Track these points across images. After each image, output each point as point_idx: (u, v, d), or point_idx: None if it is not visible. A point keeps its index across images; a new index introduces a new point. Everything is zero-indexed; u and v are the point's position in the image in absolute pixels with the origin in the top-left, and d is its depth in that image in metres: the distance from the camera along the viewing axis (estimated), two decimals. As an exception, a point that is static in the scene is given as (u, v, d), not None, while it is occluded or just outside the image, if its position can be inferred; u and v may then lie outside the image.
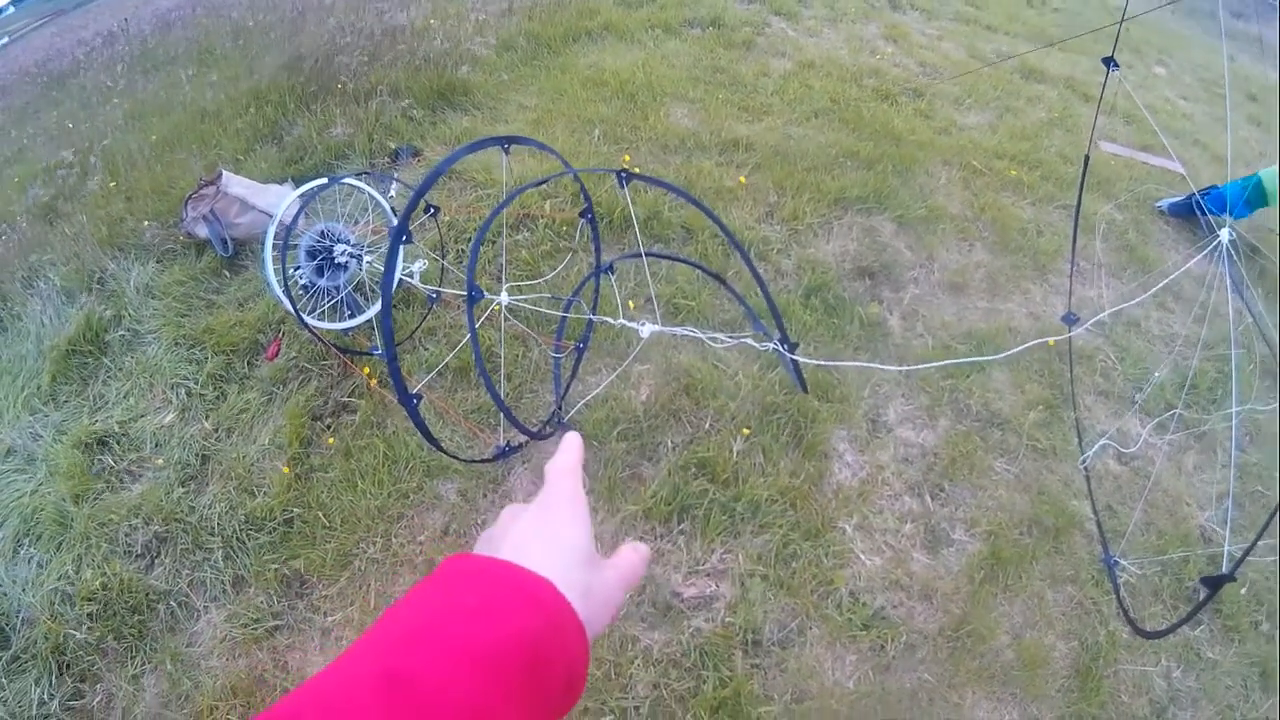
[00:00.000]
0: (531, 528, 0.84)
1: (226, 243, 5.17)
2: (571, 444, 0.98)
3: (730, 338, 2.87)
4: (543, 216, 5.18)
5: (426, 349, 4.55)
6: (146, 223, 5.71)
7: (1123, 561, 3.93)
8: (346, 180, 4.38)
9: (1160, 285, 4.32)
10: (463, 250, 5.12)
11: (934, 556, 3.87)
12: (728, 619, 3.51)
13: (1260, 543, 3.93)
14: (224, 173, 5.17)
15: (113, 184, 6.47)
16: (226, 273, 5.25)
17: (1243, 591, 4.04)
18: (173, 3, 13.18)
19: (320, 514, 3.88)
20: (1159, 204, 6.75)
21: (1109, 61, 4.62)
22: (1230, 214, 6.00)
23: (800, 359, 2.75)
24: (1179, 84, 10.35)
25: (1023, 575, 3.85)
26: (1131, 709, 3.55)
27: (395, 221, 4.42)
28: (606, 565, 0.86)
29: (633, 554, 0.91)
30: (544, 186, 5.37)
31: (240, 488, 4.05)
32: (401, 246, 3.26)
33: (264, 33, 9.54)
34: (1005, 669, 3.54)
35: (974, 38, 9.57)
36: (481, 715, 0.63)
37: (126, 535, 3.89)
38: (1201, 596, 3.21)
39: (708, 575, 3.65)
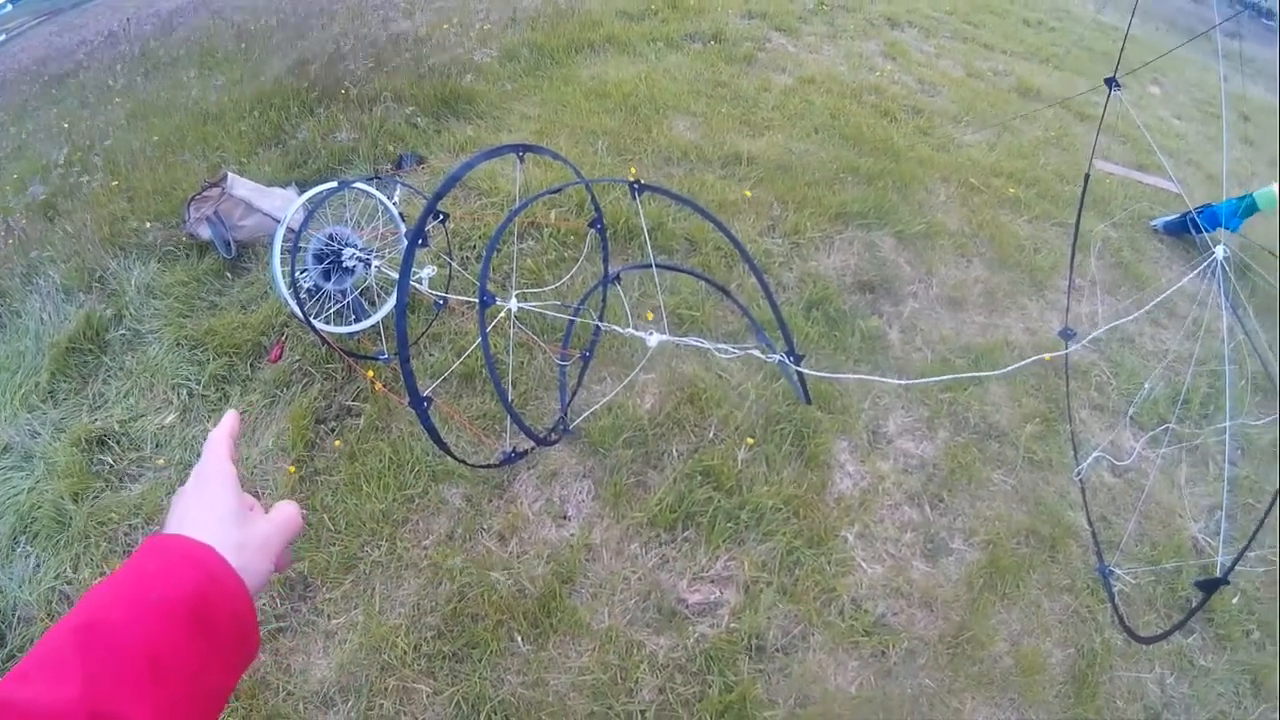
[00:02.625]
0: (191, 501, 1.00)
1: (230, 245, 5.18)
2: (226, 418, 1.13)
3: (736, 348, 2.91)
4: (549, 226, 5.21)
5: (431, 355, 4.57)
6: (148, 223, 5.70)
7: (1117, 571, 3.98)
8: (357, 185, 4.40)
9: (1156, 301, 4.38)
10: (467, 258, 5.15)
11: (934, 565, 3.92)
12: (732, 625, 3.54)
13: (1251, 553, 4.02)
14: (229, 174, 5.18)
15: (115, 183, 6.45)
16: (229, 274, 5.25)
17: (1234, 601, 4.10)
18: (175, 4, 13.19)
19: (325, 516, 3.88)
20: (1154, 222, 6.83)
21: (1111, 81, 4.68)
22: (1226, 227, 6.09)
23: (804, 371, 2.79)
24: (1173, 103, 10.47)
25: (1020, 584, 3.90)
26: (1126, 714, 3.60)
27: (403, 227, 4.46)
28: (259, 519, 1.02)
29: (287, 508, 1.06)
30: (550, 196, 5.40)
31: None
32: (414, 254, 3.28)
33: (267, 36, 9.56)
34: (1004, 675, 3.59)
35: (972, 56, 9.66)
36: (162, 651, 0.76)
37: (126, 535, 3.89)
38: (1195, 601, 3.25)
39: (712, 582, 3.68)
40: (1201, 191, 7.26)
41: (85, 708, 0.68)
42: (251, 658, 0.91)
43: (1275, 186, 6.13)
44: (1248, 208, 6.14)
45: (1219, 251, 3.86)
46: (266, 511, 1.05)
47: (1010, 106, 8.23)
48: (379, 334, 4.60)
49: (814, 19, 9.70)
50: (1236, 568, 4.00)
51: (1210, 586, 2.84)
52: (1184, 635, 3.94)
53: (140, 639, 0.75)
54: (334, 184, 4.29)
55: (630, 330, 3.02)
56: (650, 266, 3.59)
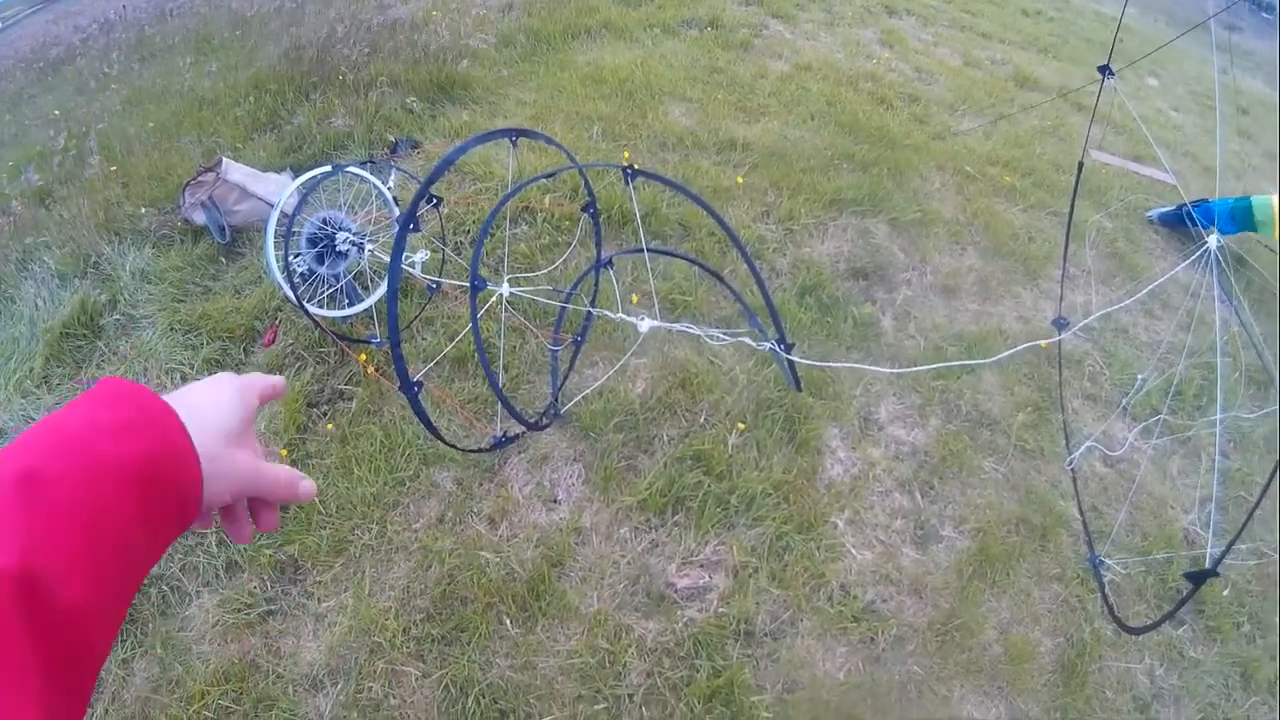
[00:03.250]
0: (201, 393, 0.93)
1: (224, 229, 5.17)
2: (276, 378, 1.09)
3: (727, 335, 2.91)
4: (542, 210, 5.21)
5: (424, 339, 4.57)
6: (143, 208, 5.70)
7: (1108, 561, 3.99)
8: (350, 169, 4.40)
9: (1148, 290, 4.40)
10: (461, 242, 5.15)
11: (924, 552, 3.93)
12: (721, 610, 3.55)
13: (1241, 545, 4.03)
14: (224, 160, 5.18)
15: (113, 169, 6.45)
16: (223, 259, 5.25)
17: (1225, 593, 4.11)
18: (172, -10, 13.18)
19: (316, 500, 3.88)
20: (1149, 213, 6.83)
21: (1105, 69, 4.67)
22: (1219, 229, 6.08)
23: (795, 359, 2.79)
24: (1171, 95, 10.45)
25: (1010, 572, 3.91)
26: (1115, 704, 3.61)
27: (397, 211, 4.46)
28: (251, 456, 0.93)
29: (288, 474, 0.98)
30: (543, 181, 5.40)
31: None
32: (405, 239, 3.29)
33: (263, 22, 9.53)
34: (992, 663, 3.60)
35: (969, 44, 9.64)
36: (104, 514, 0.71)
37: (121, 516, 3.89)
38: (1185, 592, 3.26)
39: (702, 566, 3.69)
40: (1198, 184, 7.26)
41: (19, 564, 0.64)
42: (183, 529, 0.85)
43: (1274, 197, 6.13)
44: (1244, 211, 6.14)
45: (1211, 242, 3.87)
46: None
47: (1007, 96, 8.22)
48: (372, 318, 4.61)
49: (811, 6, 9.68)
50: (1227, 560, 4.05)
51: (1199, 578, 2.86)
52: (1174, 627, 3.95)
53: (84, 500, 0.71)
54: (328, 168, 4.29)
55: (622, 315, 3.03)
56: (643, 251, 3.58)
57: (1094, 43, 10.96)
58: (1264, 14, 16.71)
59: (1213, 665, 3.85)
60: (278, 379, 1.08)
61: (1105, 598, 3.83)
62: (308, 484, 0.99)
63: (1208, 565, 2.94)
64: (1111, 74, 4.67)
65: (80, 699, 0.70)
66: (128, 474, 0.74)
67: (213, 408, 0.90)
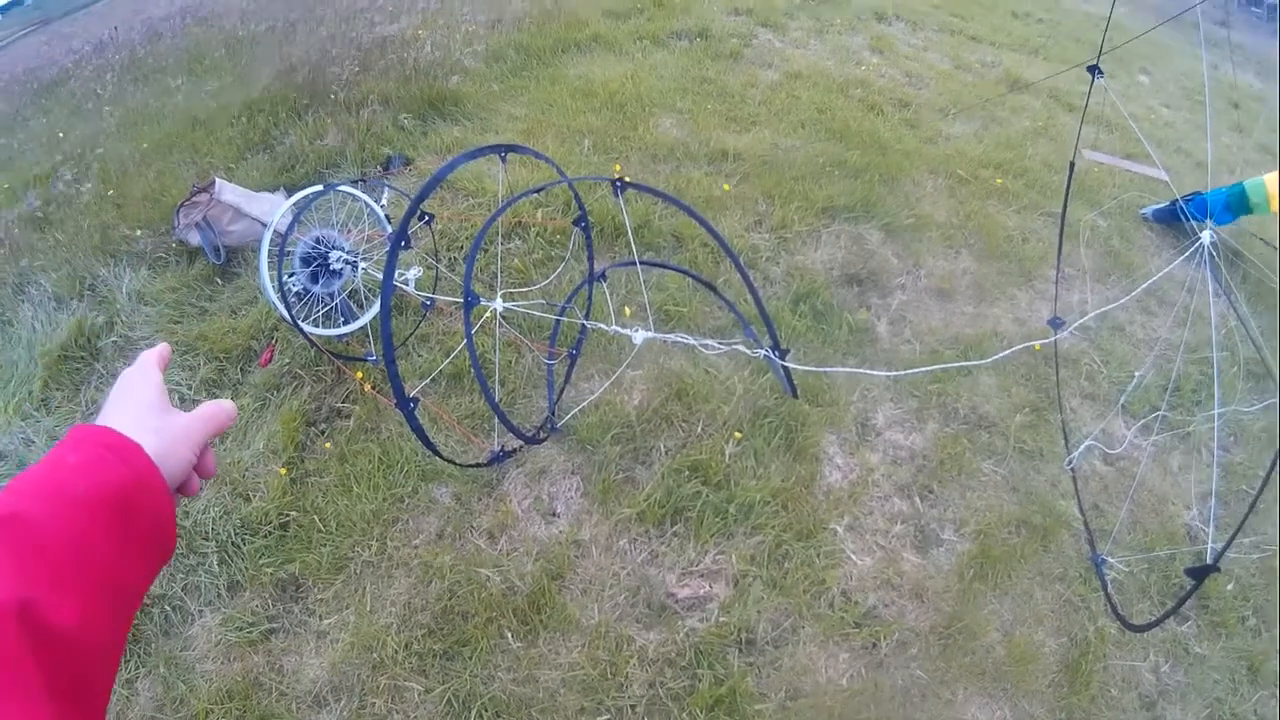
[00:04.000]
0: (116, 397, 1.01)
1: (219, 250, 5.19)
2: (159, 345, 1.14)
3: (721, 344, 2.92)
4: (535, 225, 5.22)
5: (420, 356, 4.58)
6: (138, 230, 5.72)
7: (1110, 559, 3.98)
8: (342, 187, 4.41)
9: (1143, 288, 4.39)
10: (454, 259, 5.16)
11: (924, 556, 3.93)
12: (722, 619, 3.55)
13: (1244, 539, 4.03)
14: (217, 180, 5.19)
15: (110, 191, 6.47)
16: (219, 280, 5.27)
17: (1229, 588, 4.12)
18: (162, 12, 13.17)
19: (316, 518, 3.89)
20: (1143, 210, 6.83)
21: (1094, 69, 4.69)
22: (1212, 220, 6.08)
23: (790, 365, 2.79)
24: (1163, 92, 10.47)
25: (1012, 574, 3.92)
26: (1121, 703, 3.61)
27: (389, 229, 4.47)
28: (178, 412, 1.02)
29: (212, 405, 1.07)
30: (536, 196, 5.41)
31: (235, 492, 4.07)
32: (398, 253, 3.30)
33: (255, 42, 9.56)
34: (996, 665, 3.59)
35: (959, 48, 9.66)
36: (81, 545, 0.78)
37: (122, 538, 3.90)
38: (1187, 589, 3.26)
39: (701, 576, 3.69)
40: (1192, 179, 7.25)
41: (17, 597, 0.69)
42: (167, 556, 0.93)
43: (1265, 177, 6.13)
44: (1237, 196, 6.14)
45: (1205, 237, 3.87)
46: None
47: (999, 98, 8.23)
48: (367, 335, 4.62)
49: (800, 14, 9.71)
50: (1231, 555, 4.05)
51: (1201, 574, 2.85)
52: (1178, 623, 3.96)
53: (63, 532, 0.77)
54: (319, 187, 4.30)
55: (616, 328, 3.03)
56: (636, 264, 3.59)
57: (1084, 42, 10.95)
58: (1252, 9, 16.72)
59: (1218, 660, 3.85)
60: (159, 345, 1.14)
61: (1108, 596, 3.83)
62: (227, 403, 1.09)
63: (1209, 560, 2.94)
64: (1100, 73, 4.68)
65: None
66: (100, 503, 0.81)
67: (131, 396, 1.00)
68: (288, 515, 3.93)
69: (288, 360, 4.63)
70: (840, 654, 3.53)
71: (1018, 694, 3.54)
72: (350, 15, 9.39)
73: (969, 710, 3.48)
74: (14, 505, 0.76)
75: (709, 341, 2.93)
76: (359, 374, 4.41)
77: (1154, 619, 3.65)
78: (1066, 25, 11.63)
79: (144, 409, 0.98)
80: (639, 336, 2.91)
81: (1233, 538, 2.87)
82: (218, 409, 1.07)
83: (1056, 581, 3.97)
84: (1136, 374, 4.91)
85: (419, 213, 3.95)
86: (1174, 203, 6.35)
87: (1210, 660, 3.84)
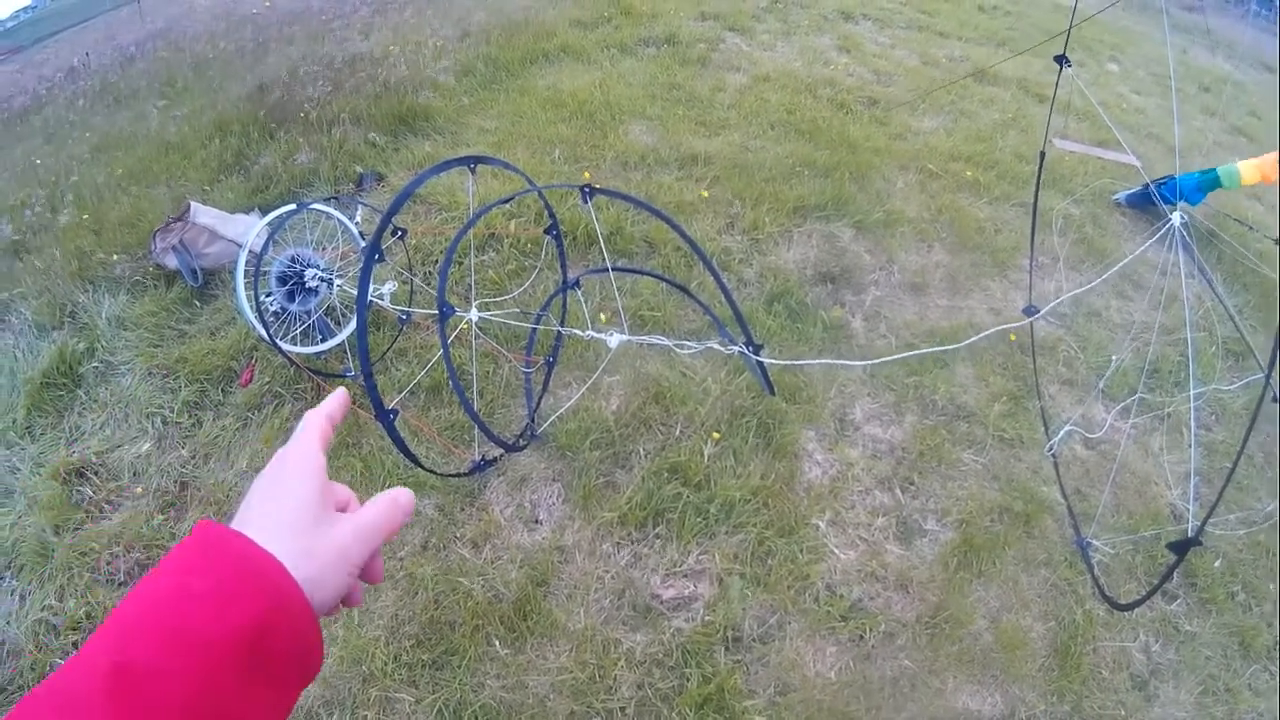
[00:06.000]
0: (263, 489, 0.84)
1: (196, 272, 5.20)
2: (333, 396, 0.99)
3: (697, 344, 2.94)
4: (508, 236, 5.25)
5: (398, 369, 4.61)
6: (116, 255, 5.72)
7: (1095, 542, 4.03)
8: (315, 206, 4.43)
9: (1115, 270, 4.42)
10: (429, 273, 5.18)
11: (907, 547, 3.96)
12: (707, 618, 3.57)
13: (1230, 516, 4.06)
14: (192, 203, 5.20)
15: (85, 216, 6.46)
16: (197, 302, 5.27)
17: (1217, 565, 4.18)
18: (133, 37, 13.15)
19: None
20: (1116, 196, 6.90)
21: (1061, 59, 4.73)
22: (1187, 200, 6.15)
23: (766, 360, 2.82)
24: (1132, 79, 10.57)
25: (996, 561, 3.95)
26: (1113, 684, 3.65)
27: (363, 245, 4.49)
28: (342, 521, 0.84)
29: (385, 501, 0.89)
30: (508, 206, 5.44)
31: (221, 512, 4.07)
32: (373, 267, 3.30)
33: (225, 64, 9.57)
34: (985, 652, 3.63)
35: (927, 44, 9.76)
36: (209, 700, 0.64)
37: (108, 563, 3.89)
38: (1170, 563, 3.29)
39: (685, 576, 3.72)
40: (1164, 164, 7.33)
41: None
42: (310, 679, 0.77)
43: (1239, 164, 6.19)
44: (1210, 182, 6.21)
45: (1176, 219, 3.90)
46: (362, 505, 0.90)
47: (967, 92, 8.30)
48: (345, 352, 4.64)
49: (768, 17, 9.79)
50: (1217, 531, 4.09)
51: (1183, 548, 2.88)
52: (1167, 602, 4.01)
53: (186, 690, 0.63)
54: (293, 206, 4.32)
55: (591, 333, 3.05)
56: (609, 270, 3.61)
57: (1052, 33, 11.06)
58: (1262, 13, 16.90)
59: (1210, 637, 3.89)
60: (334, 394, 1.00)
61: (1094, 578, 3.86)
62: (403, 495, 0.91)
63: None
64: (1068, 62, 4.73)
65: None
66: (229, 651, 0.66)
67: (283, 494, 0.84)
68: None
69: (268, 379, 4.64)
70: (827, 648, 3.56)
71: (1008, 680, 3.57)
72: (320, 34, 9.43)
73: (960, 698, 3.50)
74: (124, 651, 0.63)
75: (685, 341, 2.95)
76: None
77: (1139, 597, 3.68)
78: (1034, 16, 11.73)
79: (297, 515, 0.81)
80: (614, 340, 2.93)
81: (1213, 509, 2.90)
82: (392, 509, 0.89)
83: (1041, 567, 4.00)
84: (1114, 358, 4.95)
85: (392, 227, 3.98)
86: (1146, 187, 6.40)
87: (1201, 637, 3.88)
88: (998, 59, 9.17)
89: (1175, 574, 4.10)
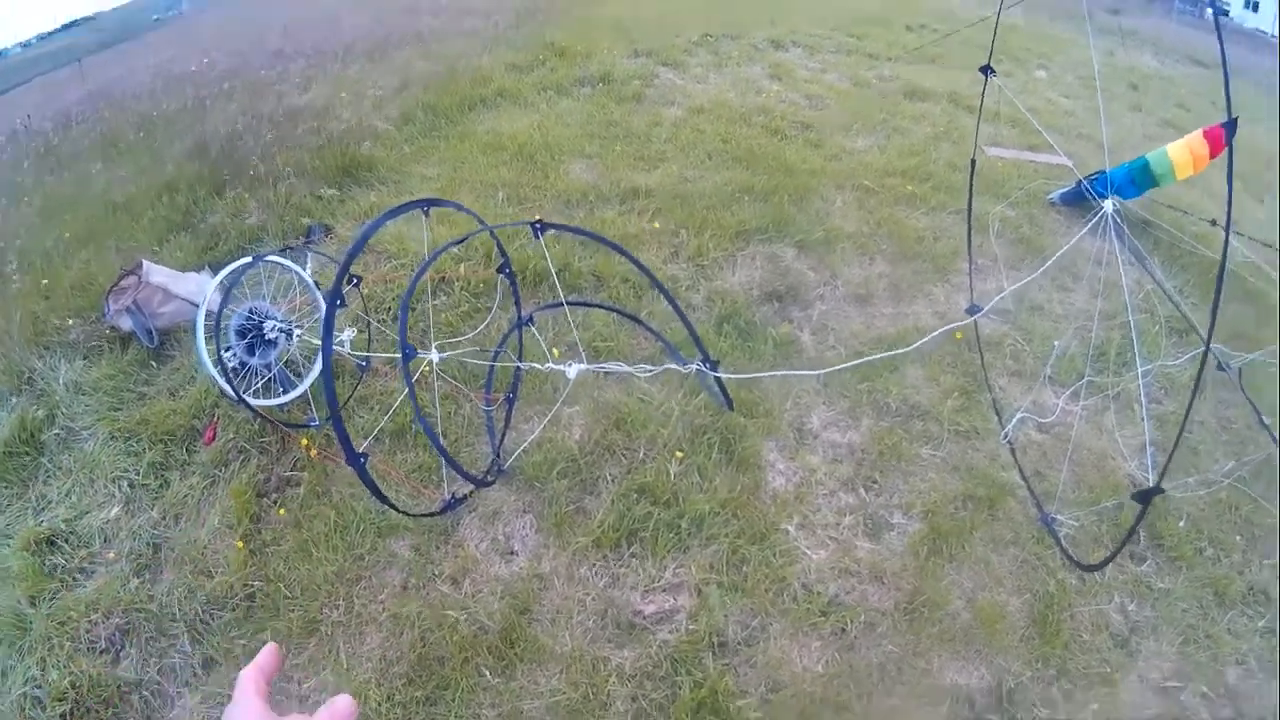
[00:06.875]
0: None
1: (151, 333, 5.19)
2: (262, 652, 1.04)
3: (653, 367, 3.03)
4: (458, 279, 5.33)
5: (360, 417, 4.65)
6: (70, 319, 5.67)
7: (1059, 517, 4.16)
8: (270, 258, 4.47)
9: (1051, 262, 4.55)
10: (384, 320, 5.23)
11: (877, 541, 4.09)
12: (691, 627, 3.65)
13: (1190, 479, 4.18)
14: (144, 263, 5.21)
15: (44, 281, 6.42)
16: (154, 363, 5.25)
17: (1181, 524, 4.34)
18: (73, 97, 13.06)
19: (280, 585, 3.88)
20: (1050, 196, 7.12)
21: (986, 69, 4.90)
22: (1119, 195, 6.34)
23: (723, 374, 2.90)
24: (1061, 84, 10.95)
25: (965, 545, 4.10)
26: (1094, 644, 3.79)
27: (318, 294, 4.54)
28: None
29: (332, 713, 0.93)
30: (457, 251, 5.51)
31: (197, 570, 4.05)
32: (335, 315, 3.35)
33: (168, 123, 9.53)
34: (965, 630, 3.76)
35: (857, 67, 10.03)
36: None
37: (88, 631, 3.84)
38: (1136, 515, 3.37)
39: (665, 590, 3.80)
40: (1096, 161, 7.54)
41: None
42: None
43: (1167, 147, 6.39)
44: (1140, 170, 6.40)
45: (1108, 206, 4.06)
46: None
47: (899, 109, 8.52)
48: (308, 402, 4.66)
49: (699, 50, 10.05)
50: (1179, 494, 4.23)
51: (1146, 497, 2.99)
52: (1137, 564, 4.16)
53: None
54: (248, 259, 4.36)
55: (550, 365, 3.13)
56: (562, 305, 3.70)
57: (980, 46, 11.35)
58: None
59: (1183, 591, 4.04)
60: (262, 650, 1.05)
61: (1062, 548, 4.00)
62: (341, 701, 0.96)
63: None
64: (993, 72, 4.89)
65: None
66: None
67: None
68: (252, 586, 3.92)
69: (232, 435, 4.63)
70: (811, 643, 3.65)
71: (991, 652, 3.69)
72: (260, 89, 9.46)
73: (946, 675, 3.62)
74: None
75: (643, 365, 3.04)
76: (304, 440, 4.45)
77: (1107, 555, 3.77)
78: (966, 32, 12.02)
79: None
80: (573, 370, 3.01)
81: (1170, 456, 3.01)
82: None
83: (1010, 545, 4.15)
84: (1055, 344, 5.12)
85: (348, 275, 4.03)
86: (1079, 183, 6.59)
87: (1175, 593, 4.03)
88: (926, 73, 9.43)
89: (1142, 536, 4.26)
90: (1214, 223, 6.71)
